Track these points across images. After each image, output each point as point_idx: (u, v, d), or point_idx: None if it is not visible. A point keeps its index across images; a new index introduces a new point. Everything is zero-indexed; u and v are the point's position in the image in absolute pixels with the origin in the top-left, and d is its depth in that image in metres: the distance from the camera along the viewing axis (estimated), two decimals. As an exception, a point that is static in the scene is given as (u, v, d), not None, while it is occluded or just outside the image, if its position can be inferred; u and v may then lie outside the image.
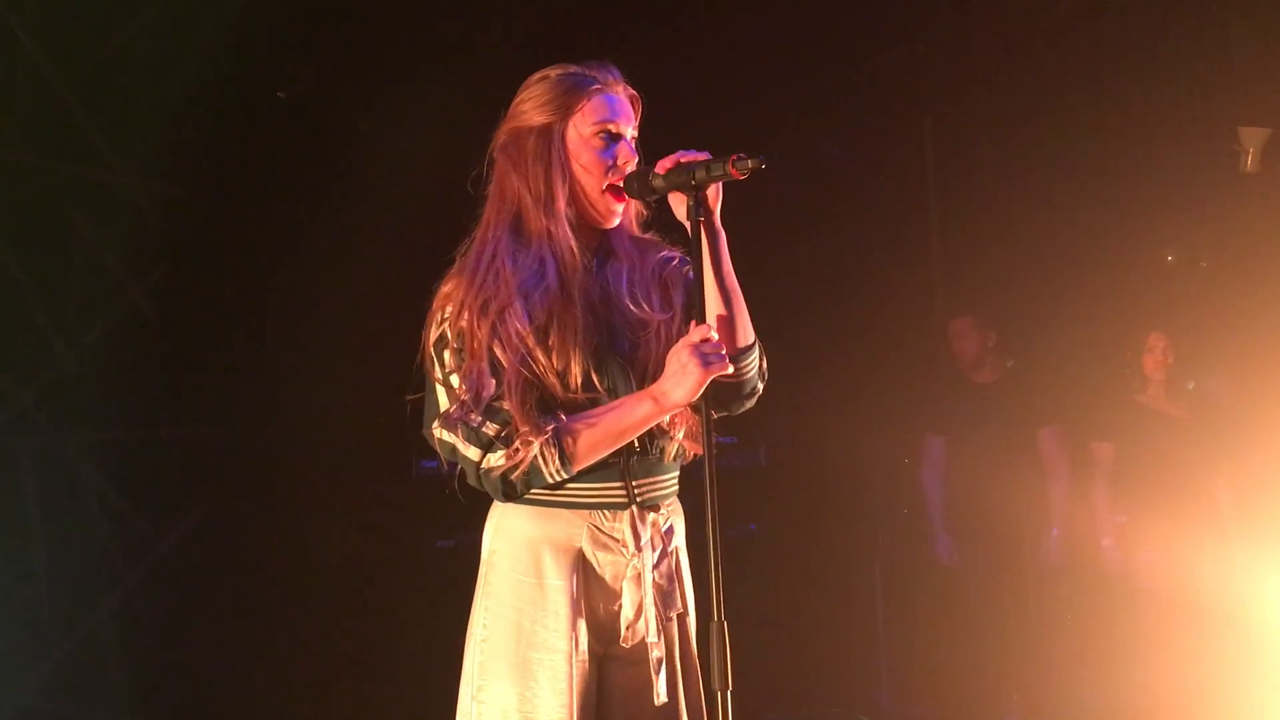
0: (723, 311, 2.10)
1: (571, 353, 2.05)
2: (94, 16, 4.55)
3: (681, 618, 2.15)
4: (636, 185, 2.11)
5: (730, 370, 2.05)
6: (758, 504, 5.42)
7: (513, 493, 2.07)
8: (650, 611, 2.08)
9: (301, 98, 5.04)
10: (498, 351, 2.03)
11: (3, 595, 4.40)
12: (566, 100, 2.12)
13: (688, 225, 2.08)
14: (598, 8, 4.93)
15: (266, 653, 4.74)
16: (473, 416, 2.04)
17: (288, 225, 4.89)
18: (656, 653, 2.09)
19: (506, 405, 2.02)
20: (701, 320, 2.03)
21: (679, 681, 2.12)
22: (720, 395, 2.12)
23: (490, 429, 2.03)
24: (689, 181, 2.04)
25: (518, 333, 2.03)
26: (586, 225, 2.15)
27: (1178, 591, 4.52)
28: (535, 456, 2.01)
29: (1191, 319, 4.90)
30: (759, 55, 5.40)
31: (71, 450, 4.60)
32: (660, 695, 2.08)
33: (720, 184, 2.06)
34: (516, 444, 2.02)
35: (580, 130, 2.13)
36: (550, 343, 2.05)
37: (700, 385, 2.01)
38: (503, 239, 2.11)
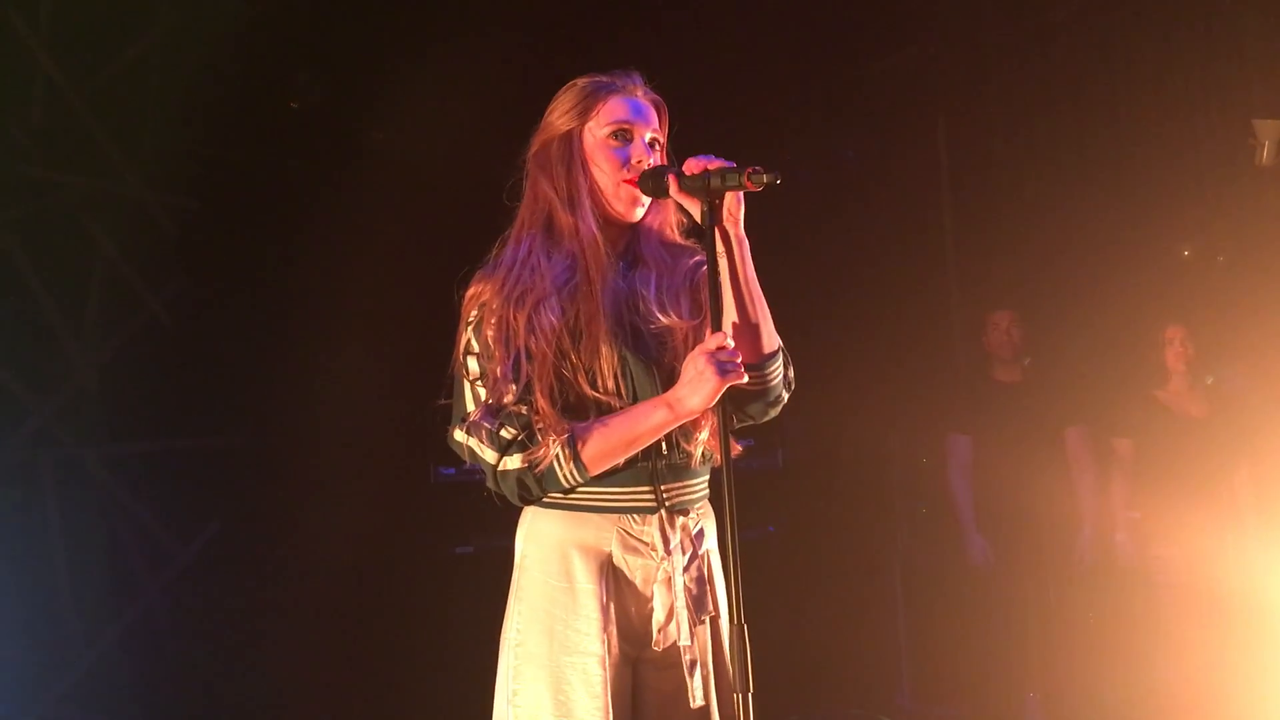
0: (745, 318, 2.11)
1: (600, 350, 2.08)
2: (108, 32, 4.59)
3: (713, 620, 2.15)
4: (652, 183, 2.14)
5: (746, 380, 2.06)
6: (776, 505, 5.41)
7: (528, 495, 2.10)
8: (682, 615, 2.09)
9: (314, 108, 5.06)
10: (532, 344, 2.06)
11: (25, 607, 4.42)
12: (586, 105, 2.19)
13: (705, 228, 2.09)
14: (609, 12, 4.93)
15: (288, 661, 4.75)
16: (492, 420, 2.06)
17: (303, 235, 4.90)
18: (690, 656, 2.10)
19: (525, 409, 2.05)
20: (718, 328, 2.04)
21: (711, 684, 2.12)
22: (745, 402, 2.16)
23: (508, 432, 2.05)
24: (704, 187, 2.06)
25: (552, 326, 2.07)
26: (612, 222, 2.19)
27: (1198, 588, 4.50)
28: (552, 458, 2.03)
29: (1210, 314, 4.88)
30: (771, 56, 5.39)
31: (92, 462, 4.62)
32: (695, 698, 2.09)
33: (740, 194, 2.08)
34: (534, 445, 2.03)
35: (596, 132, 2.18)
36: (580, 339, 2.09)
37: (716, 393, 2.02)
38: (537, 237, 2.16)
